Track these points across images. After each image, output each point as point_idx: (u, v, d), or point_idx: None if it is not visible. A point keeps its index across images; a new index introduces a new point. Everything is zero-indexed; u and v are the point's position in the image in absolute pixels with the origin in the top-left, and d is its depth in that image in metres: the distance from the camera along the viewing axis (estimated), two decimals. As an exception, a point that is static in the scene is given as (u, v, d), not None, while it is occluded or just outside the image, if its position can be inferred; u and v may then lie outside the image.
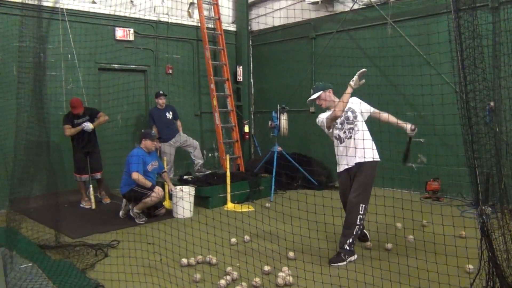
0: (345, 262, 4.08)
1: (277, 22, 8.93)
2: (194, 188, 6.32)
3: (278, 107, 7.52)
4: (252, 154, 9.73)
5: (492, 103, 5.26)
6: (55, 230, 5.03)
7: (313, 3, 8.26)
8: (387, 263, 3.69)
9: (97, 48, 7.53)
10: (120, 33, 7.80)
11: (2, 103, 6.64)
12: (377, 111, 4.38)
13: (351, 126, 4.29)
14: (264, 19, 9.36)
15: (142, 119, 8.26)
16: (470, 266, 3.66)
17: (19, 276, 3.55)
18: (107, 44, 7.63)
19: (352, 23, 7.80)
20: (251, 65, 9.90)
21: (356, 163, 4.20)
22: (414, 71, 6.42)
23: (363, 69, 3.99)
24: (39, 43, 4.92)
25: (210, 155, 9.26)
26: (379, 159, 4.27)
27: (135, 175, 5.75)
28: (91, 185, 6.71)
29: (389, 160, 5.14)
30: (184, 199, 5.97)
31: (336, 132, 4.38)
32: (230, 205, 6.52)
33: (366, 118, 4.40)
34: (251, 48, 9.88)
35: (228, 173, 6.64)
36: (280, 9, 9.00)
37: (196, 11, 8.82)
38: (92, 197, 6.65)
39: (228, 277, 3.72)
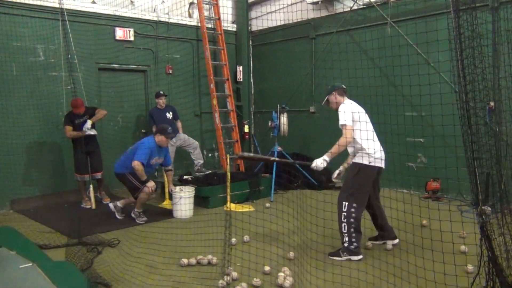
0: (340, 258, 4.16)
1: (277, 22, 8.93)
2: (194, 188, 6.33)
3: (278, 107, 7.52)
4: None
5: (492, 103, 5.26)
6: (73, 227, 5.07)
7: (313, 3, 8.27)
8: (387, 262, 3.69)
9: (97, 48, 7.55)
10: (120, 33, 7.80)
11: (2, 103, 6.63)
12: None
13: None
14: (264, 19, 9.36)
15: (142, 119, 8.26)
16: (470, 267, 3.66)
17: (19, 276, 3.55)
18: (107, 44, 7.64)
19: (352, 23, 7.80)
20: (251, 65, 9.90)
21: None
22: (414, 71, 6.41)
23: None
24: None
25: (210, 155, 9.27)
26: (363, 164, 4.28)
27: (136, 164, 5.65)
28: (91, 185, 6.71)
29: (389, 161, 5.14)
30: (184, 199, 5.98)
31: None
32: (230, 205, 6.52)
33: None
34: (251, 48, 9.88)
35: (228, 173, 6.64)
36: (280, 9, 9.00)
37: (196, 11, 8.82)
38: (92, 197, 6.65)
39: (228, 277, 3.72)
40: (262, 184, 7.24)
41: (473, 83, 2.84)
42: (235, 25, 9.67)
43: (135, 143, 6.21)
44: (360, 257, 4.19)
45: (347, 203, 4.23)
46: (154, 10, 8.36)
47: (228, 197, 6.58)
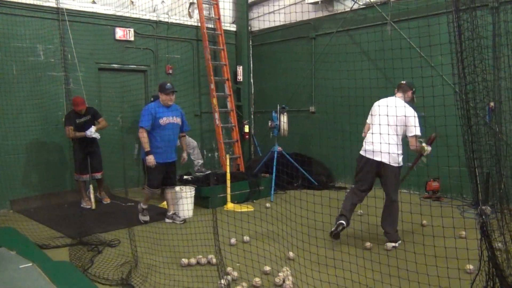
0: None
1: (277, 22, 8.93)
2: (194, 188, 6.32)
3: (278, 107, 7.52)
4: (252, 154, 9.73)
5: (492, 104, 5.26)
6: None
7: (313, 3, 8.27)
8: (386, 262, 3.69)
9: (97, 48, 7.55)
10: (120, 33, 7.80)
11: (2, 103, 6.63)
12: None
13: None
14: (264, 19, 9.36)
15: (142, 119, 8.25)
16: (470, 266, 3.66)
17: (19, 276, 3.56)
18: (107, 44, 7.64)
19: (352, 23, 7.80)
20: (251, 65, 9.90)
21: None
22: (414, 71, 6.41)
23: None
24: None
25: (210, 155, 9.27)
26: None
27: (139, 132, 5.44)
28: (91, 185, 6.71)
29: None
30: (184, 199, 5.97)
31: None
32: (230, 205, 6.53)
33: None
34: (251, 48, 9.88)
35: (228, 173, 6.65)
36: (280, 9, 9.00)
37: (196, 11, 8.82)
38: (92, 197, 6.65)
39: (228, 277, 3.72)
40: (262, 184, 7.24)
41: (473, 83, 2.84)
42: (235, 25, 9.68)
43: None
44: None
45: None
46: (154, 10, 8.36)
47: (228, 197, 6.59)
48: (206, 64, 8.45)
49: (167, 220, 5.80)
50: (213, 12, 8.94)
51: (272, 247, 4.34)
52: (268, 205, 6.54)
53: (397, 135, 4.51)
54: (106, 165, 7.11)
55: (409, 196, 5.19)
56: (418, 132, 4.54)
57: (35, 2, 6.86)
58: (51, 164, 7.14)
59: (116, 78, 7.91)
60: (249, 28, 9.70)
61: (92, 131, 6.52)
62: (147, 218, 5.77)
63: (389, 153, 4.43)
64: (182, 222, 5.69)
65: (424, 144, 4.60)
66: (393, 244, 4.53)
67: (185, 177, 7.09)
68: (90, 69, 7.50)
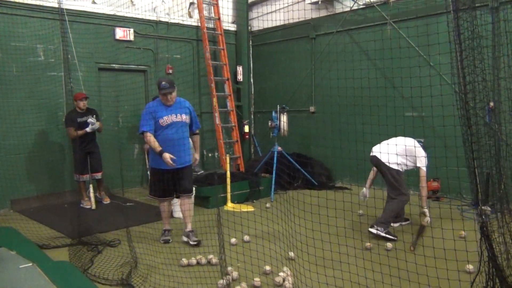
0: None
1: (277, 22, 8.94)
2: (194, 188, 6.32)
3: (278, 107, 7.52)
4: (252, 154, 9.74)
5: (492, 104, 5.27)
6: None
7: (313, 3, 8.26)
8: (387, 262, 3.69)
9: (97, 48, 7.55)
10: (120, 33, 7.80)
11: (2, 103, 6.64)
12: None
13: None
14: (264, 19, 9.36)
15: (142, 119, 8.25)
16: (470, 266, 3.66)
17: (19, 276, 3.56)
18: (107, 44, 7.65)
19: (352, 23, 7.80)
20: (251, 65, 9.90)
21: None
22: (414, 71, 6.42)
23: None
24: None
25: (210, 155, 9.27)
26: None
27: (144, 137, 4.74)
28: (91, 185, 6.71)
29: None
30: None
31: None
32: (230, 205, 6.53)
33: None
34: (251, 48, 9.88)
35: (228, 173, 6.65)
36: (280, 9, 9.00)
37: (196, 11, 8.83)
38: (92, 197, 6.65)
39: (228, 277, 3.72)
40: (262, 184, 7.24)
41: (473, 83, 2.84)
42: (235, 25, 9.67)
43: None
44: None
45: None
46: (154, 10, 8.36)
47: (228, 196, 6.59)
48: (206, 64, 8.45)
49: (184, 239, 4.90)
50: (213, 12, 8.94)
51: (272, 247, 4.34)
52: (268, 205, 6.54)
53: (402, 155, 4.82)
54: (106, 165, 7.11)
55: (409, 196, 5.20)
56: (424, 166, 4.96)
57: (35, 2, 6.86)
58: (51, 164, 7.15)
59: (116, 78, 7.91)
60: (249, 28, 9.70)
61: (91, 122, 6.48)
62: (166, 238, 4.88)
63: (387, 153, 4.69)
64: (196, 243, 4.77)
65: (425, 210, 5.02)
66: (380, 232, 4.75)
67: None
68: (90, 69, 7.51)
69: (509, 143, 4.83)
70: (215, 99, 8.26)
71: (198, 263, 4.21)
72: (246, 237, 4.82)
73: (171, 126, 4.67)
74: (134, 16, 8.03)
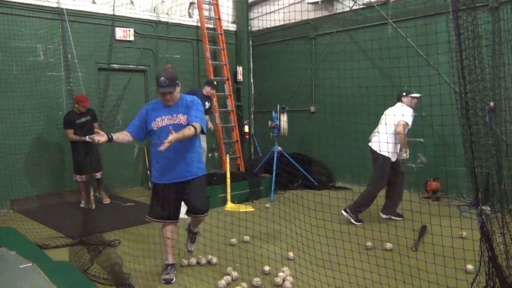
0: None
1: (277, 22, 8.94)
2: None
3: (278, 107, 7.52)
4: (252, 154, 9.74)
5: (491, 103, 5.27)
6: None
7: (313, 3, 8.27)
8: (387, 263, 3.69)
9: (97, 48, 7.54)
10: (120, 33, 7.80)
11: (2, 103, 6.63)
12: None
13: None
14: (264, 19, 9.36)
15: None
16: (470, 267, 3.66)
17: (19, 276, 3.55)
18: (107, 44, 7.64)
19: (352, 23, 7.80)
20: (251, 65, 9.90)
21: None
22: (414, 71, 6.42)
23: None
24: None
25: (210, 155, 9.26)
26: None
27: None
28: (91, 185, 6.71)
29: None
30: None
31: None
32: (230, 205, 6.53)
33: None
34: (251, 48, 9.88)
35: (228, 173, 6.65)
36: (280, 9, 9.00)
37: (196, 11, 8.82)
38: (92, 197, 6.65)
39: (228, 277, 3.72)
40: (262, 184, 7.24)
41: (473, 83, 2.84)
42: (235, 25, 9.67)
43: None
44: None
45: None
46: (154, 10, 8.36)
47: (228, 196, 6.59)
48: (206, 64, 8.45)
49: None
50: (213, 12, 8.94)
51: (272, 247, 4.34)
52: (268, 205, 6.54)
53: (393, 134, 5.18)
54: (106, 165, 7.10)
55: (409, 196, 5.20)
56: (408, 120, 5.15)
57: (35, 2, 6.86)
58: (51, 164, 7.15)
59: (116, 78, 7.91)
60: (249, 28, 9.70)
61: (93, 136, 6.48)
62: (168, 276, 3.82)
63: (378, 142, 5.11)
64: (190, 251, 4.30)
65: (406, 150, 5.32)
66: (349, 218, 5.26)
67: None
68: (90, 69, 7.50)
69: (509, 143, 4.83)
70: (215, 99, 8.26)
71: (198, 263, 4.21)
72: (246, 237, 4.82)
73: (164, 131, 3.62)
74: (134, 16, 8.03)
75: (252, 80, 9.93)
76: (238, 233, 4.62)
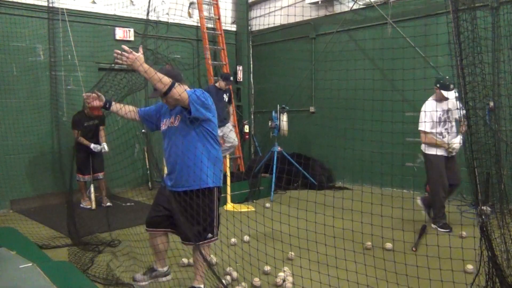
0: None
1: (277, 22, 8.94)
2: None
3: (278, 107, 7.52)
4: (252, 154, 9.74)
5: (491, 103, 5.26)
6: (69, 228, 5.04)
7: (313, 3, 8.27)
8: (387, 263, 3.69)
9: (97, 48, 7.54)
10: (120, 33, 7.80)
11: (2, 103, 6.63)
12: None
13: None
14: (264, 19, 9.36)
15: (142, 119, 8.25)
16: (470, 266, 3.66)
17: (19, 276, 3.55)
18: (107, 44, 7.63)
19: (352, 23, 7.80)
20: (251, 65, 9.91)
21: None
22: (414, 71, 6.43)
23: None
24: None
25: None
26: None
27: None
28: (92, 185, 6.72)
29: (389, 161, 5.14)
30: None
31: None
32: (230, 205, 6.53)
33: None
34: (251, 48, 9.89)
35: (228, 173, 6.64)
36: (280, 9, 9.00)
37: (196, 11, 8.82)
38: (92, 197, 6.65)
39: (228, 277, 3.72)
40: (262, 184, 7.24)
41: (473, 83, 2.84)
42: (235, 25, 9.67)
43: None
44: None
45: None
46: (154, 10, 8.36)
47: (228, 197, 6.59)
48: (206, 64, 8.45)
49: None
50: (213, 12, 8.94)
51: (272, 247, 4.34)
52: (268, 205, 6.54)
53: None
54: (106, 165, 7.10)
55: (409, 196, 5.20)
56: (422, 128, 5.02)
57: (35, 2, 6.86)
58: (51, 164, 7.15)
59: (116, 78, 7.89)
60: (249, 28, 9.70)
61: (99, 148, 6.58)
62: (142, 283, 3.64)
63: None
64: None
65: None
66: (437, 228, 5.08)
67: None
68: (90, 69, 7.50)
69: (509, 143, 4.83)
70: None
71: (198, 263, 4.20)
72: (246, 237, 4.82)
73: (167, 134, 3.46)
74: (134, 16, 8.03)
75: (252, 80, 9.93)
76: (238, 233, 4.62)
